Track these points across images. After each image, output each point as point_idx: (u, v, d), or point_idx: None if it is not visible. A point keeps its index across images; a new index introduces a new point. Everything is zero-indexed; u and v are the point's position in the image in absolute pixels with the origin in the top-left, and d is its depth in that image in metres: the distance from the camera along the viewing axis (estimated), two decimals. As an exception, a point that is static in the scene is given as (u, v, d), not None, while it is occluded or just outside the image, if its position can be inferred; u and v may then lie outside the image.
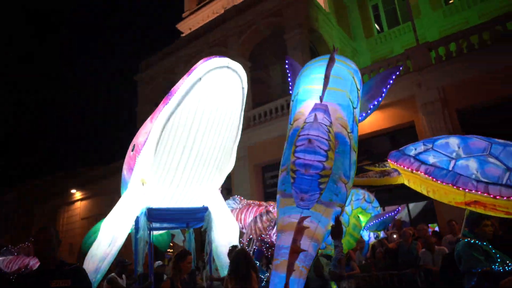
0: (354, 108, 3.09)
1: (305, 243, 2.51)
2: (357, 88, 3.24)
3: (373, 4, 20.03)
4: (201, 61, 4.49)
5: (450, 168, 3.37)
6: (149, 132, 4.61)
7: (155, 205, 5.19)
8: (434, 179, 3.40)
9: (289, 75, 4.22)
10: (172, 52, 18.04)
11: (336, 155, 2.78)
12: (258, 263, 6.31)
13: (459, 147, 3.57)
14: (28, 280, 2.39)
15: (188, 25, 23.00)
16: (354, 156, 2.94)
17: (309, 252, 2.48)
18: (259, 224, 7.17)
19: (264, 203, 8.65)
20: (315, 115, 2.85)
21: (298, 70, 3.83)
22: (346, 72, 3.20)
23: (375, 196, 7.48)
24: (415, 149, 3.84)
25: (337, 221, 2.66)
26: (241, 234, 7.84)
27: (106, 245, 4.71)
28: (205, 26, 17.27)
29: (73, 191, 22.03)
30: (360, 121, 3.37)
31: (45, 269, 2.41)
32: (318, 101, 2.95)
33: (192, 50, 17.00)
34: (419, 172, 3.55)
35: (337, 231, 2.68)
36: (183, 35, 23.32)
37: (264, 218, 7.23)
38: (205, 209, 5.63)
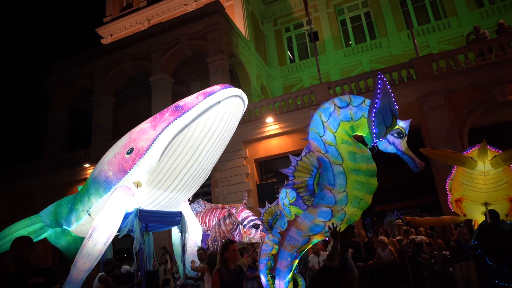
0: (321, 136, 4.15)
1: (292, 230, 4.15)
2: (322, 121, 4.25)
3: (287, 36, 22.42)
4: (219, 86, 5.08)
5: None
6: (155, 139, 4.86)
7: (137, 206, 5.37)
8: None
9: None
10: (92, 58, 17.73)
11: (322, 171, 4.01)
12: None
13: None
14: (11, 279, 3.05)
15: (109, 31, 22.62)
16: (339, 168, 3.96)
17: (292, 235, 4.13)
18: (223, 227, 7.73)
19: (227, 206, 9.12)
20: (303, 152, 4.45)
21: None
22: (316, 114, 4.32)
23: None
24: None
25: (333, 227, 3.87)
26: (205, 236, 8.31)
27: (102, 244, 4.91)
28: (129, 38, 17.43)
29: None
30: (376, 134, 3.81)
31: (23, 270, 3.09)
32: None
33: (114, 59, 17.01)
34: None
35: (333, 233, 3.86)
36: (103, 40, 22.89)
37: (227, 221, 7.79)
38: (180, 214, 6.24)
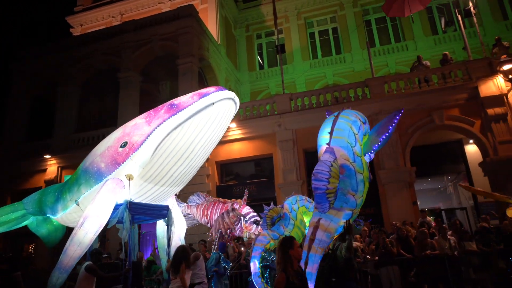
0: (352, 147, 4.51)
1: (319, 234, 4.17)
2: (354, 132, 4.57)
3: (258, 42, 23.17)
4: (213, 88, 5.23)
5: None
6: (149, 135, 5.02)
7: (128, 198, 5.49)
8: None
9: None
10: (61, 48, 17.55)
11: (344, 177, 4.36)
12: (222, 255, 7.31)
13: None
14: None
15: (79, 21, 22.34)
16: (360, 176, 4.42)
17: (322, 239, 4.14)
18: (227, 220, 8.03)
19: (228, 201, 9.44)
20: (323, 155, 4.50)
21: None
22: (345, 124, 4.62)
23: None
24: None
25: (348, 223, 4.30)
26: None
27: (93, 233, 4.99)
28: (100, 32, 17.45)
29: None
30: (374, 150, 4.61)
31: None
32: (328, 146, 4.57)
33: (84, 52, 16.97)
34: None
35: (348, 228, 4.30)
36: (73, 29, 22.58)
37: (231, 214, 8.12)
38: (167, 208, 6.37)
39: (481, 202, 12.57)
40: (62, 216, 6.31)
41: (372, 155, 4.67)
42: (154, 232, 6.96)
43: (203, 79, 17.94)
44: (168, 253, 6.30)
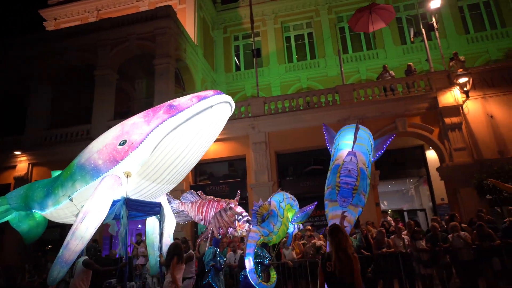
0: (369, 154, 5.35)
1: (346, 224, 5.00)
2: (371, 143, 5.49)
3: (236, 44, 23.54)
4: (212, 91, 5.43)
5: None
6: (148, 134, 5.23)
7: (125, 195, 5.62)
8: None
9: (325, 135, 6.50)
10: (35, 42, 17.27)
11: (360, 180, 5.11)
12: (217, 250, 7.58)
13: None
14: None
15: (53, 15, 21.95)
16: (368, 180, 5.16)
17: (347, 228, 4.98)
18: (225, 218, 8.20)
19: (222, 199, 9.52)
20: (351, 157, 5.27)
21: (332, 132, 6.42)
22: (365, 134, 5.49)
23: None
24: None
25: (357, 221, 5.02)
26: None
27: (94, 228, 5.10)
28: (77, 28, 17.32)
29: None
30: (372, 161, 5.47)
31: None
32: (351, 150, 5.29)
33: (58, 46, 16.78)
34: None
35: (356, 223, 5.01)
36: (46, 23, 22.17)
37: (229, 213, 8.24)
38: (160, 205, 6.53)
39: (439, 204, 13.53)
40: (52, 211, 6.33)
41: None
42: (130, 229, 7.14)
43: (179, 80, 18.14)
44: (160, 248, 6.47)
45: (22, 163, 15.75)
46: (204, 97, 5.34)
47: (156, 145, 5.25)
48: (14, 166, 15.82)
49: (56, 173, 6.78)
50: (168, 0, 20.06)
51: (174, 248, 5.65)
